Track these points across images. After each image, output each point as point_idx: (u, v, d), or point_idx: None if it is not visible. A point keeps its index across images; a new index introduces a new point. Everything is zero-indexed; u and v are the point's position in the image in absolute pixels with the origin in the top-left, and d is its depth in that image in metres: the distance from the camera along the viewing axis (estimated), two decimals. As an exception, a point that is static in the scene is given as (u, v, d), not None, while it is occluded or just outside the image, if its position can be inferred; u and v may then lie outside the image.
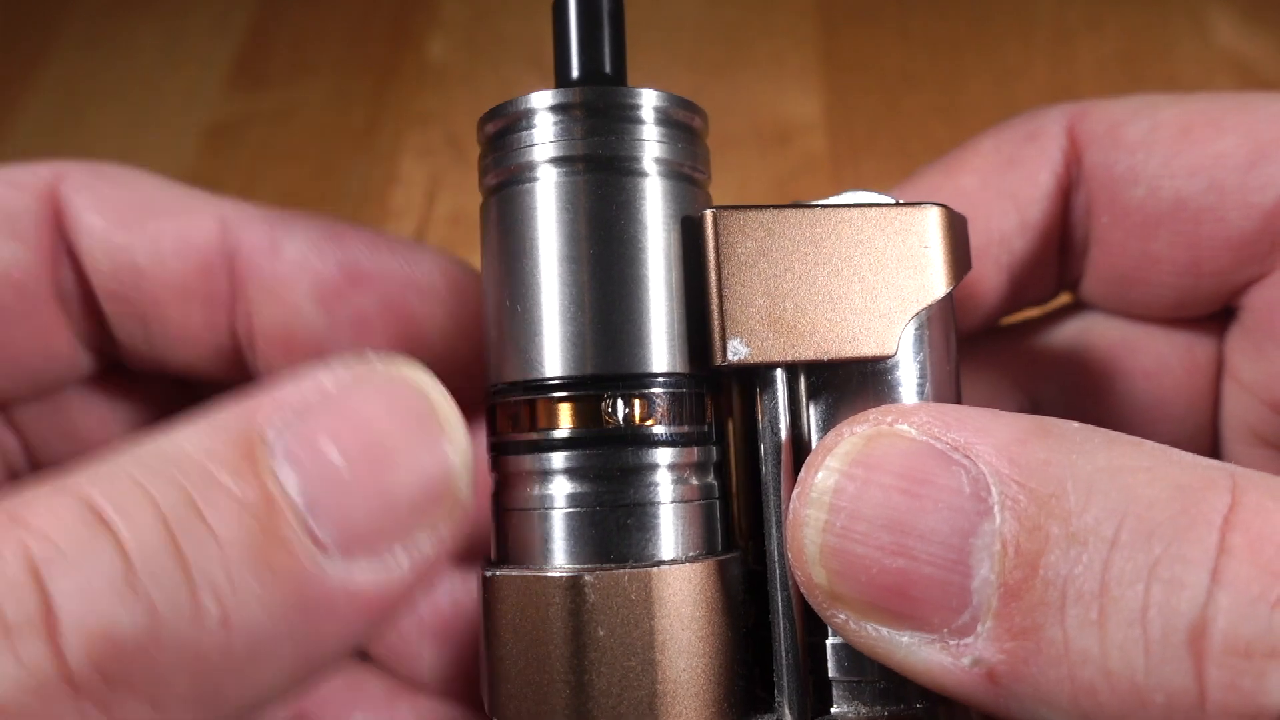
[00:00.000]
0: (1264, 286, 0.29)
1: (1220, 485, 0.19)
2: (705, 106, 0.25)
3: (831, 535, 0.21)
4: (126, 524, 0.19)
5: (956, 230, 0.25)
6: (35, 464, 0.31)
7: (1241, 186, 0.27)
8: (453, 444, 0.22)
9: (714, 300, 0.23)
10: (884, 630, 0.21)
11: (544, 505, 0.23)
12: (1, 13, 0.81)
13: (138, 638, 0.18)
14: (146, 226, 0.28)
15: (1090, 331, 0.32)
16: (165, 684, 0.18)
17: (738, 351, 0.23)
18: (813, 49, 0.70)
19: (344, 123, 0.70)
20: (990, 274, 0.31)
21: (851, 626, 0.21)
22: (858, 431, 0.21)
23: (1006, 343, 0.34)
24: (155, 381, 0.32)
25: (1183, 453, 0.20)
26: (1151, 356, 0.31)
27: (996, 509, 0.20)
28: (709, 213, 0.23)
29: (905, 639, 0.20)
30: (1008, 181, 0.30)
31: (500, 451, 0.24)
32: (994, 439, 0.20)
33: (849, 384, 0.24)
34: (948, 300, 0.24)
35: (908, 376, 0.24)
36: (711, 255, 0.23)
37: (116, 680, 0.18)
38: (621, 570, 0.22)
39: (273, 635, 0.19)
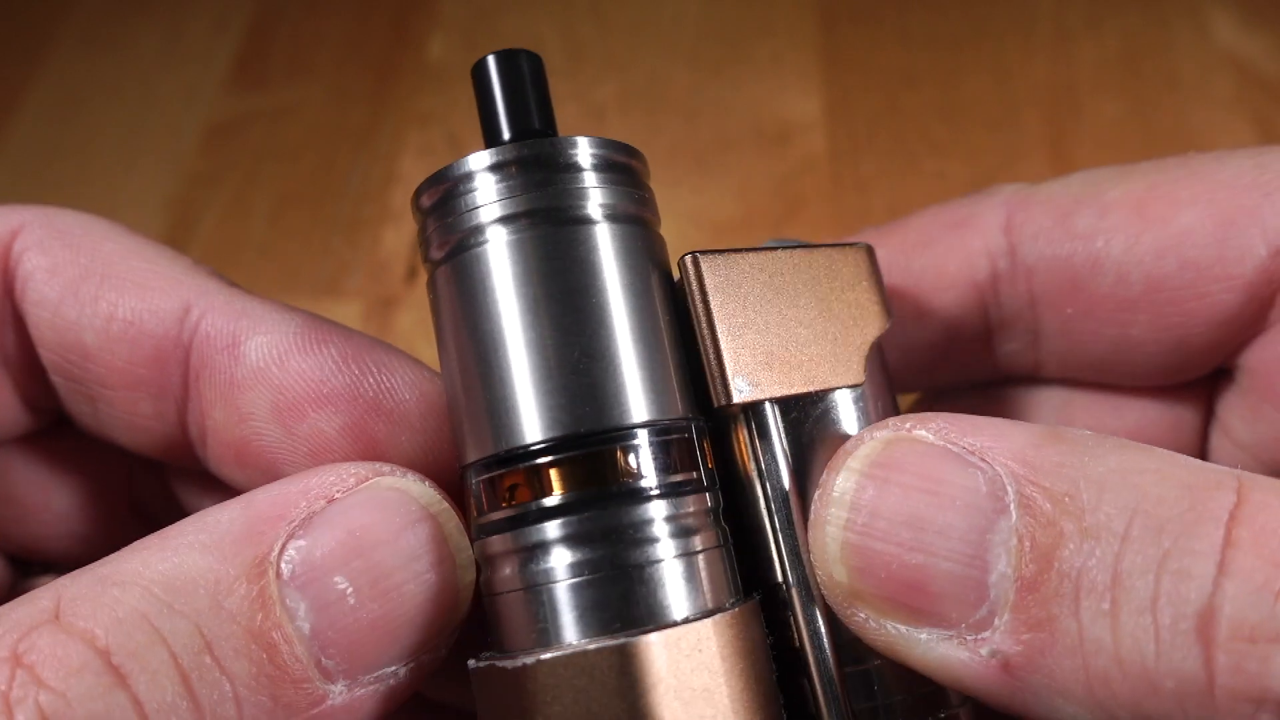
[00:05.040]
0: (1256, 347, 0.28)
1: (1226, 485, 0.19)
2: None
3: (852, 533, 0.21)
4: (141, 675, 0.18)
5: (878, 269, 0.26)
6: None
7: (1218, 260, 0.27)
8: (460, 568, 0.23)
9: (709, 342, 0.23)
10: (903, 628, 0.21)
11: (556, 578, 0.21)
12: (1, 13, 0.81)
13: None
14: (100, 303, 0.26)
15: (1071, 403, 0.32)
16: None
17: (741, 390, 0.23)
18: (812, 48, 0.70)
19: (344, 122, 0.70)
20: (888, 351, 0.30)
21: (871, 625, 0.22)
22: (878, 436, 0.22)
23: (985, 405, 0.33)
24: (102, 445, 0.30)
25: (1190, 458, 0.20)
26: (1135, 414, 0.31)
27: (1013, 506, 0.20)
28: (689, 256, 0.24)
29: (924, 636, 0.21)
30: (914, 266, 0.30)
31: (489, 531, 0.23)
32: (1009, 443, 0.21)
33: (825, 414, 0.24)
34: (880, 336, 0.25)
35: (869, 405, 0.25)
36: (699, 297, 0.23)
37: None
38: (676, 629, 0.21)
39: None
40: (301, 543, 0.21)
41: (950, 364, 0.32)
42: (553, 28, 0.72)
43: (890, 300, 0.26)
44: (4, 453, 0.30)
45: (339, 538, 0.21)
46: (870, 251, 0.26)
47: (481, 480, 0.23)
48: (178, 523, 0.22)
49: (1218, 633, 0.18)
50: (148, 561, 0.20)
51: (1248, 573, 0.18)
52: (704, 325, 0.23)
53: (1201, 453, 0.31)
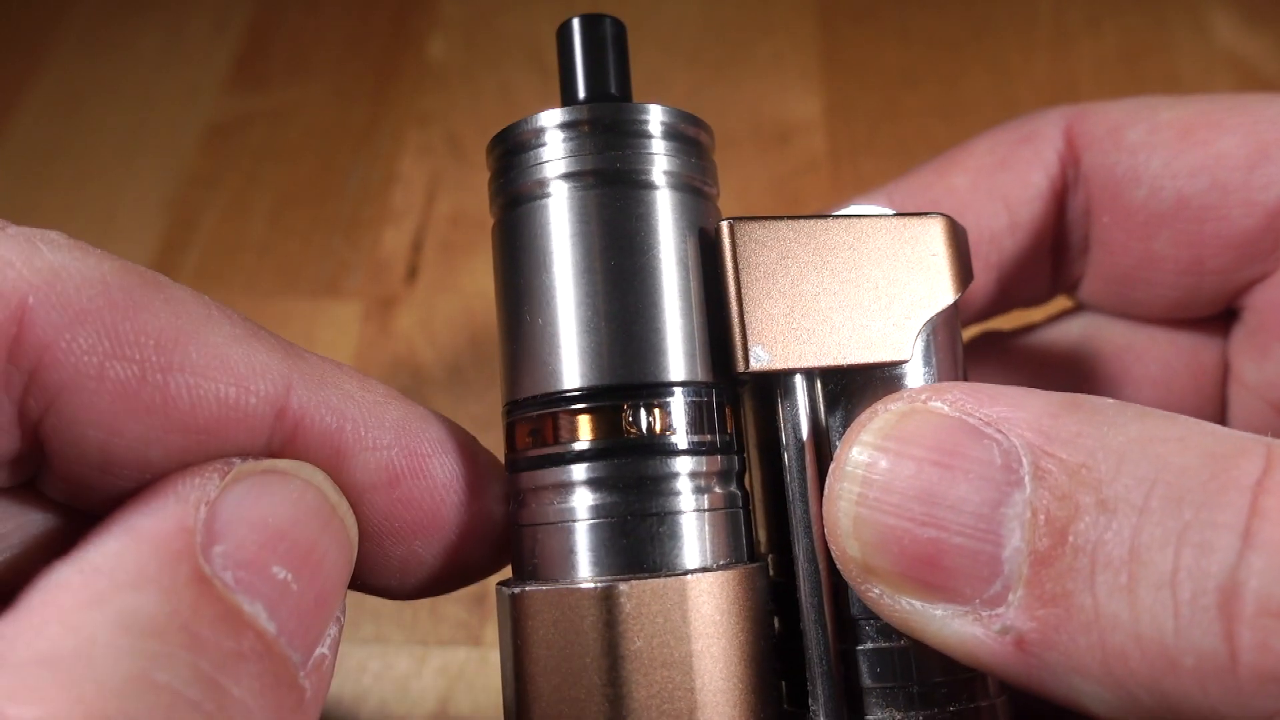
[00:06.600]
0: (1266, 287, 0.29)
1: (1254, 453, 0.18)
2: (705, 106, 0.25)
3: (864, 508, 0.21)
4: None
5: (960, 240, 0.25)
6: None
7: (1244, 185, 0.28)
8: (353, 530, 0.22)
9: (734, 308, 0.23)
10: (918, 604, 0.21)
11: (569, 518, 0.23)
12: (1, 13, 0.81)
13: None
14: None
15: (1095, 338, 0.33)
16: None
17: (760, 358, 0.23)
18: (812, 49, 0.70)
19: (344, 123, 0.70)
20: (978, 272, 0.31)
21: (886, 601, 0.21)
22: (892, 409, 0.22)
23: (1012, 348, 0.34)
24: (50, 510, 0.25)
25: (1217, 425, 0.20)
26: (1158, 363, 0.32)
27: (1027, 479, 0.20)
28: (725, 223, 0.24)
29: (939, 612, 0.21)
30: (999, 182, 0.31)
31: (520, 468, 0.24)
32: (1026, 413, 0.20)
33: (865, 389, 0.24)
34: (953, 308, 0.25)
35: (919, 381, 0.24)
36: (729, 264, 0.23)
37: None
38: (656, 579, 0.22)
39: None
40: (230, 547, 0.19)
41: (1028, 283, 0.32)
42: (553, 28, 0.72)
43: (967, 269, 0.25)
44: None
45: (260, 530, 0.20)
46: (947, 223, 0.25)
47: (518, 420, 0.24)
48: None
49: (1242, 608, 0.17)
50: (84, 614, 0.18)
51: (1275, 544, 0.17)
52: (730, 292, 0.24)
53: (1220, 399, 0.31)
